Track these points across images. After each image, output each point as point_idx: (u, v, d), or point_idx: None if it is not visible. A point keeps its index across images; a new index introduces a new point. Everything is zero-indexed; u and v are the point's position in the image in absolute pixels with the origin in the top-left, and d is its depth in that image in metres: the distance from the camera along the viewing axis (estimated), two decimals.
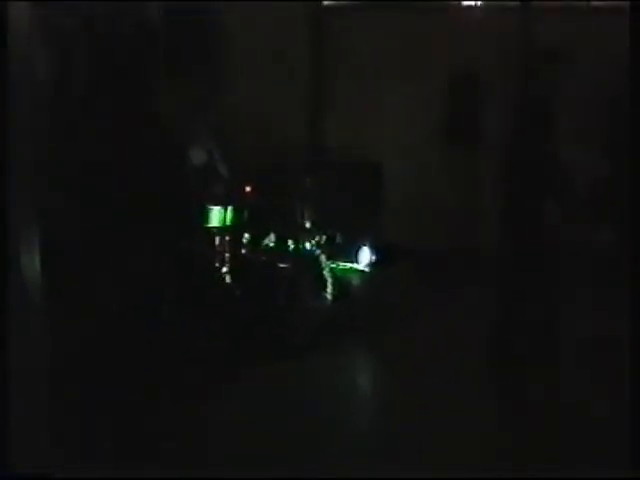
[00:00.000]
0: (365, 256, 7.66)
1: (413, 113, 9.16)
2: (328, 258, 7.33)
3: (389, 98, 9.11)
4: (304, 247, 7.31)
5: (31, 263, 4.36)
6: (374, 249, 7.68)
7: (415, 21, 9.14)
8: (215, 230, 6.90)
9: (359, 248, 7.65)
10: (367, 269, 7.63)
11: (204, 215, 6.90)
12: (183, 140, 6.99)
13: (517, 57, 7.82)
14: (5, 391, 4.07)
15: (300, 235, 7.32)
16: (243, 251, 7.05)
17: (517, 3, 9.08)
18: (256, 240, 7.16)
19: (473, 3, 9.49)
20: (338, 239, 7.57)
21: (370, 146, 8.84)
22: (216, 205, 6.92)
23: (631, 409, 4.43)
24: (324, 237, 7.43)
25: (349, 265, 7.59)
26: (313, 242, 7.34)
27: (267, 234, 7.22)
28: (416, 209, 8.96)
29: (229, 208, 6.95)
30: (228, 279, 6.86)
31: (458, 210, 9.03)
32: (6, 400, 4.06)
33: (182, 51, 8.28)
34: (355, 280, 7.57)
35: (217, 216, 6.92)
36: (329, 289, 7.24)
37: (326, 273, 7.25)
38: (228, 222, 6.95)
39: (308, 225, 7.37)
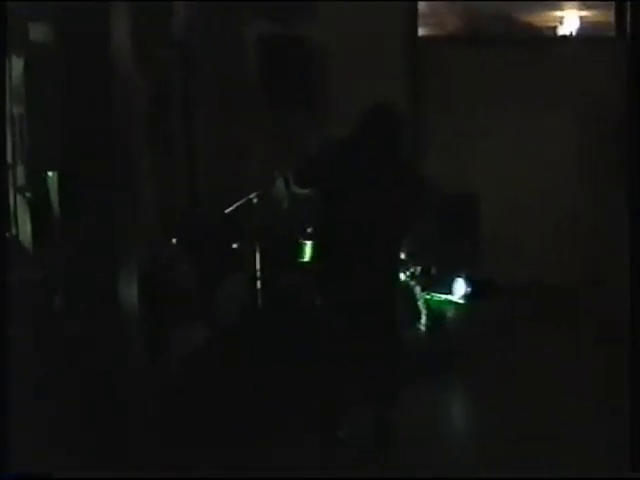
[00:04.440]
0: (460, 288, 7.65)
1: (510, 145, 9.11)
2: (423, 289, 7.33)
3: (486, 131, 9.09)
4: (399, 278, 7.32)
5: None
6: (469, 281, 7.66)
7: (510, 53, 9.14)
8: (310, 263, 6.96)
9: (454, 280, 7.64)
10: (462, 301, 7.61)
11: (299, 249, 6.98)
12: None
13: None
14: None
15: None
16: None
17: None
18: None
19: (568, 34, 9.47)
20: (433, 270, 7.57)
21: (466, 179, 8.82)
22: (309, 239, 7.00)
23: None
24: (419, 268, 7.42)
25: (444, 297, 7.58)
26: (408, 273, 7.34)
27: None
28: (512, 243, 8.88)
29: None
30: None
31: (554, 244, 8.93)
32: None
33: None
34: (450, 312, 7.57)
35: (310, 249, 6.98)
36: (423, 320, 7.23)
37: (420, 304, 7.25)
38: None
39: (403, 256, 7.37)
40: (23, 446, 4.54)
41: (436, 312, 7.43)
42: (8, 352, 4.23)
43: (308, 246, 6.96)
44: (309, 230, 6.89)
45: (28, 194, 6.95)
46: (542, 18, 9.57)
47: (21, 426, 4.81)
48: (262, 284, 6.98)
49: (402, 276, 7.30)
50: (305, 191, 6.21)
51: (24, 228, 7.03)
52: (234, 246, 7.35)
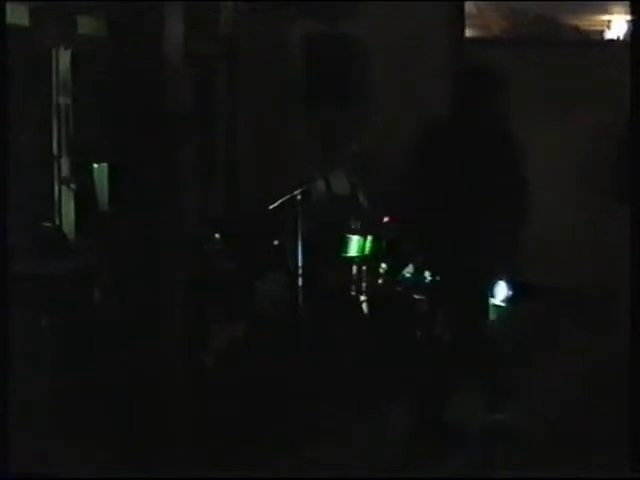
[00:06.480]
0: (502, 291, 7.58)
1: (553, 148, 9.04)
2: None
3: (529, 134, 9.01)
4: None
5: None
6: (511, 284, 7.60)
7: (556, 56, 9.08)
8: (353, 259, 6.97)
9: (495, 283, 7.58)
10: (503, 304, 7.55)
11: (343, 244, 6.97)
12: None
13: None
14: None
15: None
16: (380, 281, 7.07)
17: None
18: (394, 270, 7.16)
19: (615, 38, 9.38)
20: None
21: None
22: (355, 234, 7.00)
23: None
24: None
25: None
26: None
27: (405, 265, 7.22)
28: (555, 246, 8.81)
29: (368, 238, 7.00)
30: (364, 309, 6.89)
31: (596, 248, 8.85)
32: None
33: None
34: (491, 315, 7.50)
35: (356, 245, 6.98)
36: None
37: None
38: (367, 252, 7.00)
39: None
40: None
41: None
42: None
43: (354, 241, 6.97)
44: (354, 226, 6.91)
45: (73, 185, 6.99)
46: (589, 21, 9.48)
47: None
48: (303, 281, 6.96)
49: None
50: (346, 191, 6.25)
51: (68, 218, 7.07)
52: (275, 242, 7.35)
